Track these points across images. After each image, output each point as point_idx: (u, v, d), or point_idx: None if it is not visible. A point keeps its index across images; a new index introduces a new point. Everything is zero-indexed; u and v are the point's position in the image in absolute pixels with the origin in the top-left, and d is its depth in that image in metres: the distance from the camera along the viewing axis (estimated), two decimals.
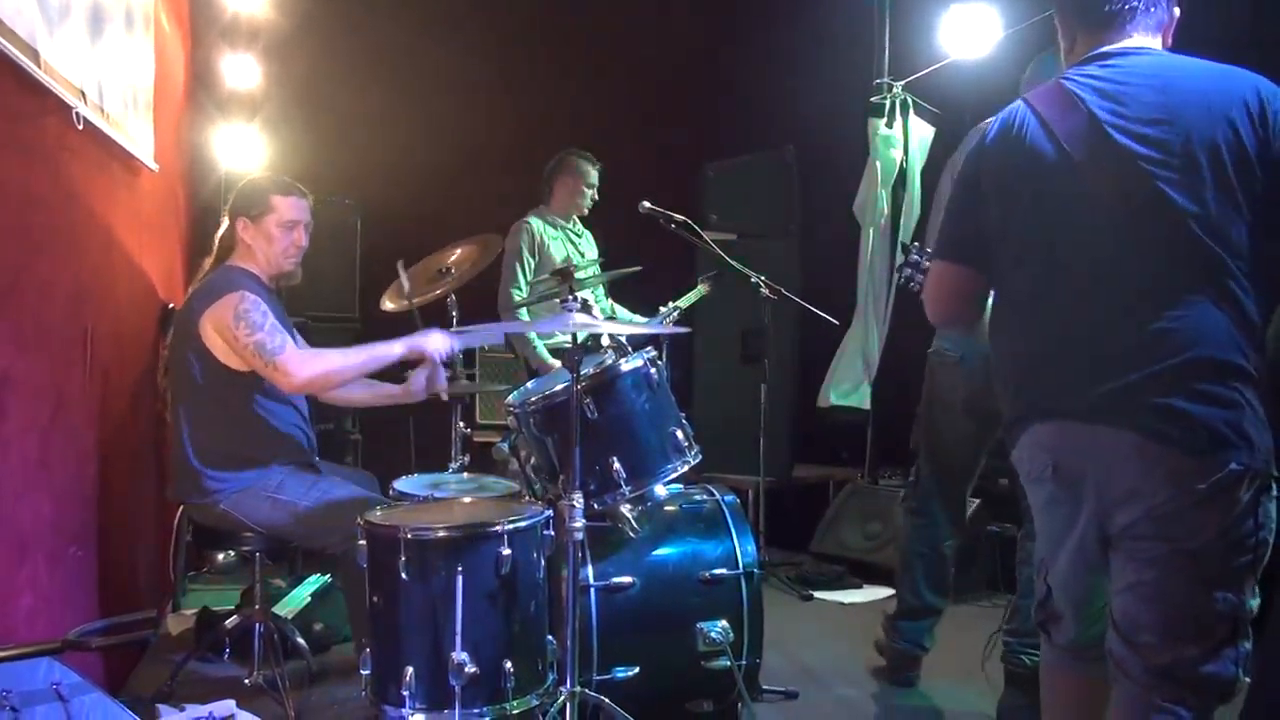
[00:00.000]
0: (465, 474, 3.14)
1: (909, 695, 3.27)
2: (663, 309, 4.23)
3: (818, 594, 4.51)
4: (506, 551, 2.43)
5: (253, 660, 3.12)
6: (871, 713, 3.17)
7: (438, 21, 5.58)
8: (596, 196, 4.55)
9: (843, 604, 4.43)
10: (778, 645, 3.41)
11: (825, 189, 5.53)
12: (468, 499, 2.82)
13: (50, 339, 2.51)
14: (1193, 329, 1.73)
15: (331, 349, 3.00)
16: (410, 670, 2.39)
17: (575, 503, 2.46)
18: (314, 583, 3.78)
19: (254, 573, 3.13)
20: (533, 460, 2.96)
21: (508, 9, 5.93)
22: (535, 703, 2.50)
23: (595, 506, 2.71)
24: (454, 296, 3.25)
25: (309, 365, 2.86)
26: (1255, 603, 1.78)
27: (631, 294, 4.56)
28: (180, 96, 4.25)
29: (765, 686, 3.11)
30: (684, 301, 4.32)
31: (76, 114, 2.55)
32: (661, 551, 2.88)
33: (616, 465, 2.69)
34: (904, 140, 5.21)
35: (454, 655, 2.35)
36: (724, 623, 2.81)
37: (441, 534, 2.44)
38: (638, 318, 4.50)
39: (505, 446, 3.27)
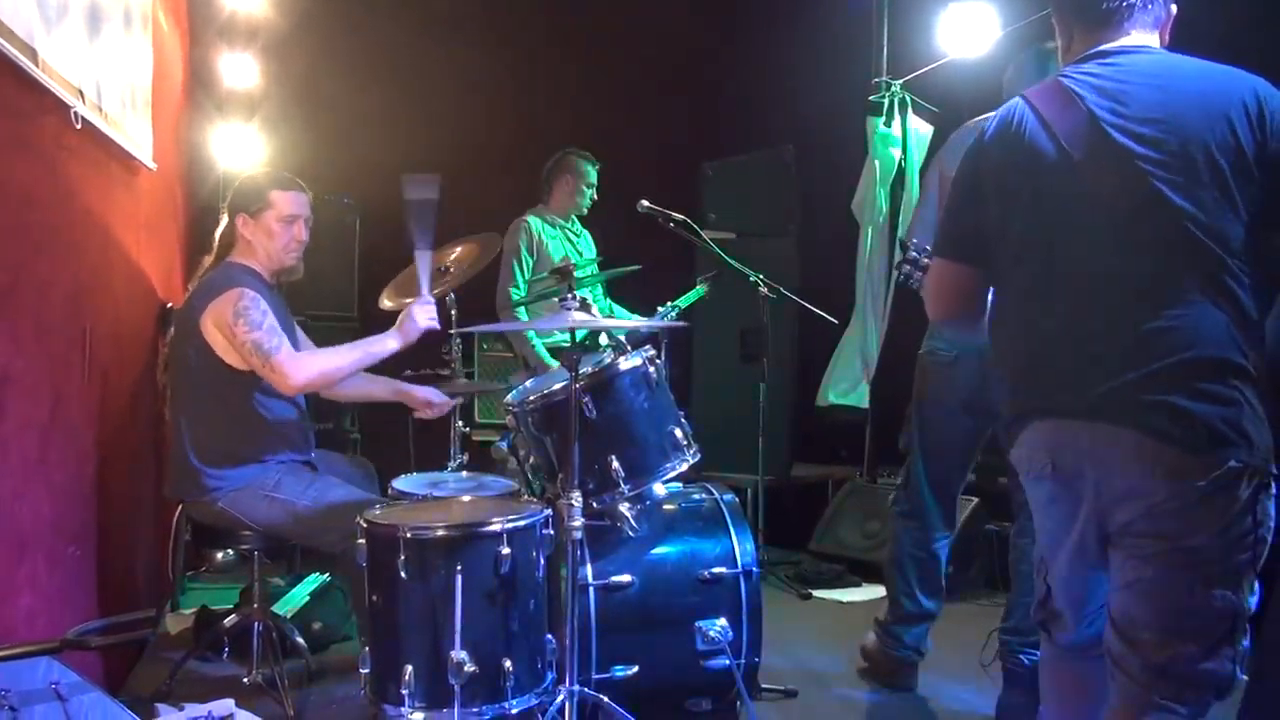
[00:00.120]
0: (464, 473, 3.14)
1: (908, 694, 3.27)
2: (661, 309, 4.24)
3: (817, 593, 4.51)
4: (505, 550, 2.43)
5: (252, 659, 3.12)
6: (871, 712, 3.17)
7: (436, 20, 5.58)
8: (595, 196, 4.55)
9: (842, 603, 4.44)
10: (777, 644, 3.41)
11: (824, 188, 5.53)
12: (466, 498, 2.83)
13: (49, 338, 2.51)
14: (1191, 328, 1.73)
15: (327, 349, 3.00)
16: (409, 669, 2.40)
17: (574, 501, 2.46)
18: (313, 582, 3.78)
19: (253, 571, 3.13)
20: (531, 459, 2.96)
21: (507, 8, 5.93)
22: (534, 701, 2.50)
23: (594, 505, 2.71)
24: (453, 295, 3.24)
25: (305, 367, 2.86)
26: (1253, 600, 1.78)
27: (630, 293, 4.56)
28: (178, 95, 4.25)
29: (764, 685, 3.11)
30: (683, 301, 4.32)
31: (75, 113, 2.55)
32: (660, 550, 2.88)
33: (615, 464, 2.69)
34: (903, 139, 5.21)
35: (453, 654, 2.35)
36: (723, 621, 2.81)
37: (440, 533, 2.44)
38: (636, 317, 4.50)
39: (504, 445, 3.27)
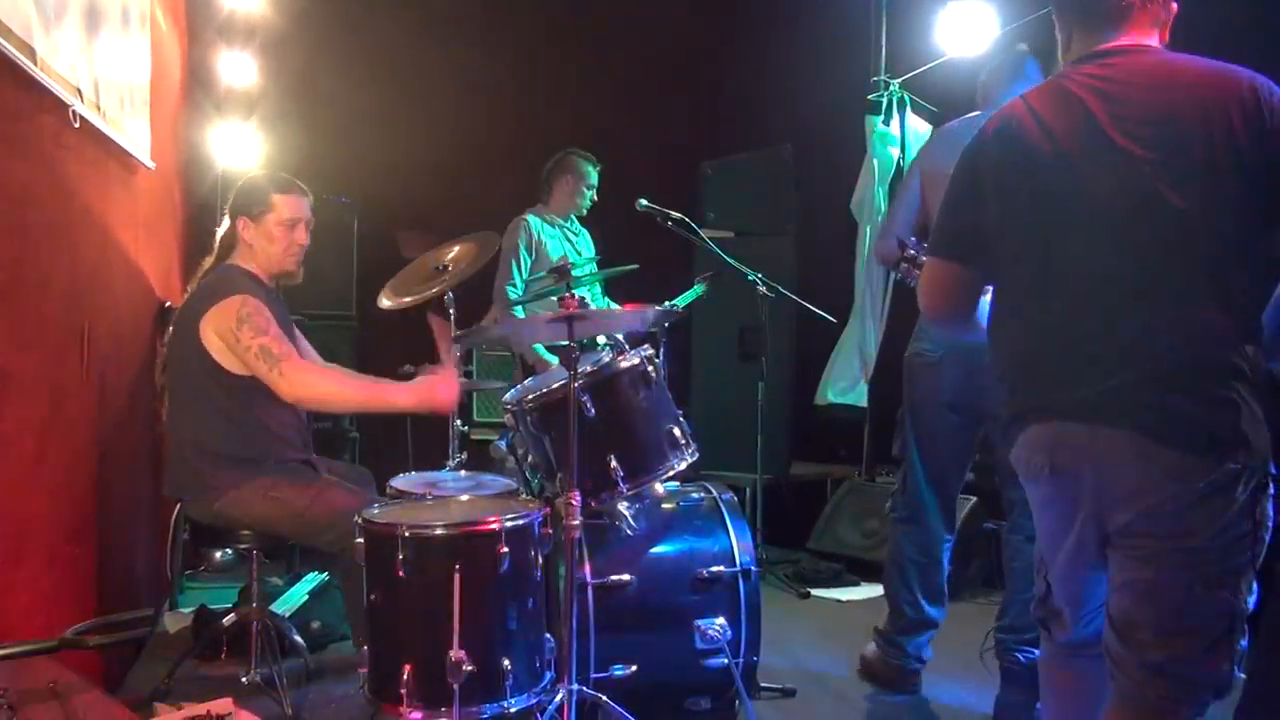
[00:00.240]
0: (463, 472, 3.14)
1: (907, 693, 3.26)
2: (659, 308, 4.23)
3: (815, 591, 4.51)
4: (504, 549, 2.43)
5: (250, 658, 3.12)
6: (869, 710, 3.18)
7: (435, 19, 5.58)
8: (595, 197, 4.55)
9: (840, 601, 4.44)
10: (775, 643, 3.41)
11: (823, 187, 5.53)
12: (465, 497, 2.83)
13: (47, 337, 2.51)
14: (1190, 328, 1.73)
15: (339, 375, 2.96)
16: (408, 668, 2.39)
17: (573, 500, 2.46)
18: (311, 581, 3.78)
19: (251, 571, 3.12)
20: (530, 458, 2.96)
21: (506, 7, 5.93)
22: (533, 701, 2.50)
23: (593, 504, 2.71)
24: (451, 294, 3.24)
25: (311, 383, 2.85)
26: (1251, 600, 1.78)
27: (629, 293, 4.56)
28: (177, 94, 4.24)
29: (763, 684, 3.11)
30: (681, 300, 4.33)
31: (73, 112, 2.55)
32: (659, 549, 2.88)
33: (614, 463, 2.69)
34: (901, 138, 5.21)
35: (452, 653, 2.35)
36: (722, 620, 2.81)
37: (439, 532, 2.44)
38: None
39: (503, 444, 3.27)
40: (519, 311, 4.10)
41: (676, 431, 2.82)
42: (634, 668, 2.74)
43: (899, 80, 5.21)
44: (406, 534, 2.41)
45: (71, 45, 2.56)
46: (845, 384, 5.49)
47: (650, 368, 2.81)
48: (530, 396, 2.81)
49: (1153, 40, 1.91)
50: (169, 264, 4.05)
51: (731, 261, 4.27)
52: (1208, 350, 1.72)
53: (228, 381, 2.87)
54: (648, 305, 2.57)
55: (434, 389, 2.84)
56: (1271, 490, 1.77)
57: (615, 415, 2.73)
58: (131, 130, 3.23)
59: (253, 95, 4.79)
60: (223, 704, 2.07)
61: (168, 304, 3.79)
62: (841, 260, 5.46)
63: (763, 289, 4.35)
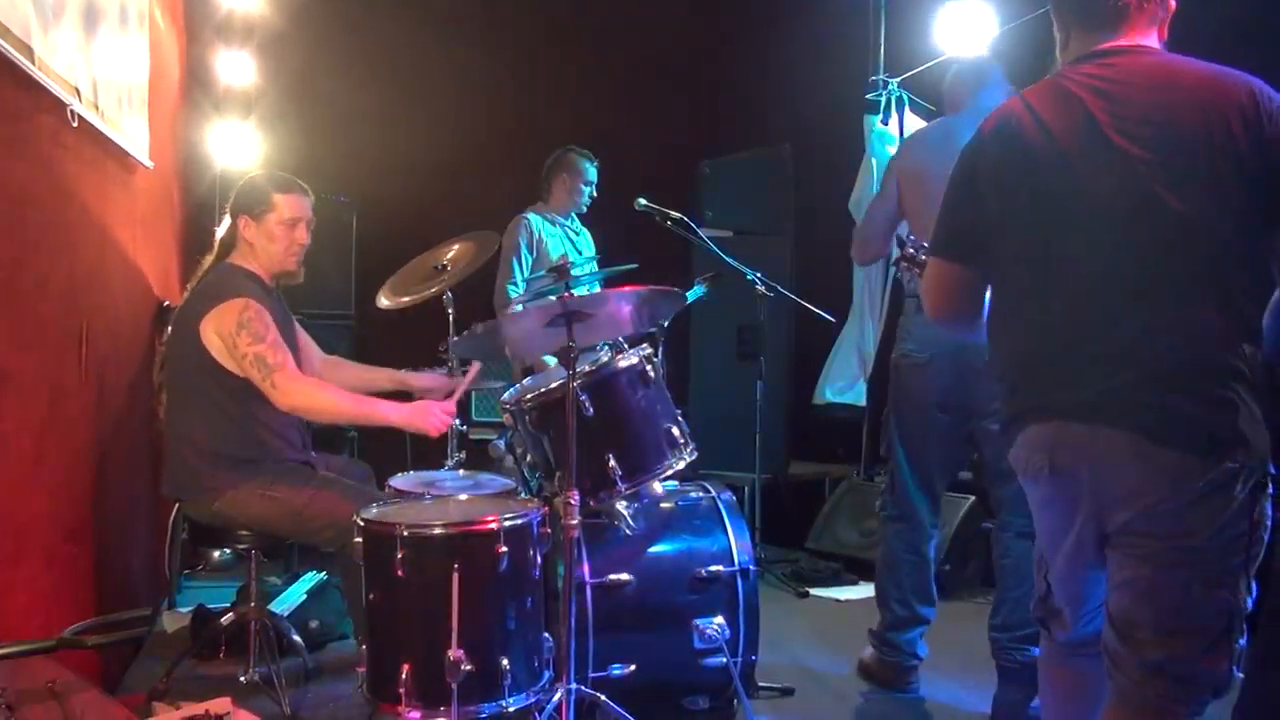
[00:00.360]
0: (461, 471, 3.14)
1: (904, 692, 3.26)
2: (655, 287, 4.22)
3: (814, 591, 4.51)
4: (503, 549, 2.43)
5: (248, 658, 3.12)
6: (867, 709, 3.18)
7: (434, 18, 5.57)
8: (594, 194, 4.55)
9: (839, 601, 4.44)
10: (774, 642, 3.41)
11: (821, 186, 5.53)
12: (464, 496, 2.83)
13: (46, 336, 2.51)
14: (1189, 329, 1.73)
15: (332, 387, 2.97)
16: (407, 668, 2.40)
17: (571, 500, 2.46)
18: (310, 580, 3.77)
19: (250, 570, 3.12)
20: (529, 457, 2.96)
21: (505, 6, 5.92)
22: (532, 700, 2.50)
23: (591, 504, 2.71)
24: (449, 294, 3.24)
25: (305, 394, 2.84)
26: (1250, 599, 1.79)
27: None
28: (175, 93, 4.24)
29: (761, 683, 3.11)
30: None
31: (71, 111, 2.55)
32: (658, 548, 2.88)
33: (612, 462, 2.69)
34: (900, 137, 5.21)
35: (450, 653, 2.35)
36: (720, 619, 2.81)
37: (438, 531, 2.44)
38: None
39: (501, 444, 3.27)
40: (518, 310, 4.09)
41: (675, 431, 2.82)
42: (632, 667, 2.74)
43: (898, 79, 5.20)
44: (405, 533, 2.42)
45: (70, 45, 2.56)
46: (844, 383, 5.49)
47: (649, 367, 2.81)
48: (529, 396, 2.81)
49: (1151, 39, 1.91)
50: (167, 263, 4.05)
51: (730, 261, 4.27)
52: (1207, 351, 1.73)
53: (228, 382, 2.87)
54: (645, 285, 2.55)
55: (426, 414, 2.82)
56: (1270, 490, 1.77)
57: (614, 414, 2.73)
58: (130, 130, 3.23)
59: (251, 94, 4.79)
60: (221, 703, 2.08)
61: (166, 303, 3.79)
62: (840, 260, 5.41)
63: (761, 288, 4.35)
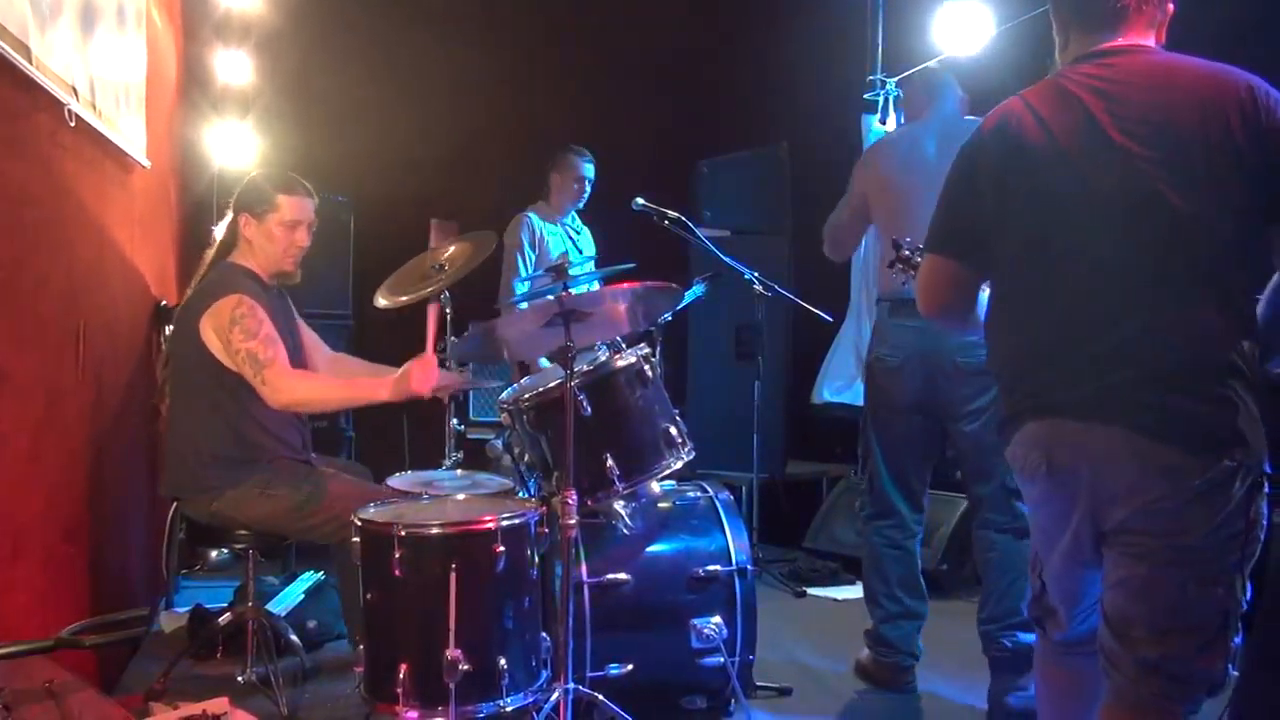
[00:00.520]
0: (459, 471, 3.14)
1: (902, 691, 3.26)
2: (652, 284, 4.23)
3: (811, 590, 4.52)
4: (500, 549, 2.43)
5: (246, 658, 3.12)
6: (865, 709, 3.18)
7: (432, 17, 5.57)
8: (588, 190, 4.55)
9: (836, 600, 4.44)
10: (771, 642, 3.41)
11: (819, 185, 5.49)
12: (461, 496, 2.83)
13: (43, 335, 2.51)
14: (1188, 327, 1.74)
15: (321, 378, 2.97)
16: (404, 668, 2.40)
17: (569, 499, 2.46)
18: (307, 580, 3.77)
19: (247, 570, 3.12)
20: (526, 457, 2.96)
21: (502, 6, 5.92)
22: (529, 700, 2.50)
23: (589, 503, 2.71)
24: (448, 294, 3.24)
25: (292, 388, 2.84)
26: (1246, 598, 1.79)
27: None
28: (172, 92, 4.24)
29: (759, 683, 3.11)
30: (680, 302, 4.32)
31: (69, 110, 2.55)
32: (655, 548, 2.89)
33: (610, 462, 2.69)
34: None
35: (448, 652, 2.35)
36: (717, 619, 2.82)
37: (435, 531, 2.44)
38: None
39: (499, 443, 3.27)
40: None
41: (673, 430, 2.82)
42: (630, 667, 2.75)
43: (895, 79, 5.20)
44: (403, 533, 2.42)
45: (67, 44, 2.56)
46: (841, 383, 5.49)
47: (647, 366, 2.81)
48: (527, 395, 2.81)
49: (1149, 41, 1.92)
50: (165, 263, 4.05)
51: (728, 260, 4.27)
52: (1208, 350, 1.73)
53: (227, 380, 2.88)
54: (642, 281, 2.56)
55: (410, 376, 2.79)
56: (1266, 489, 1.77)
57: (612, 414, 2.73)
58: (127, 129, 3.22)
59: (249, 94, 4.78)
60: (218, 703, 2.07)
61: (164, 303, 3.79)
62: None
63: (759, 288, 4.35)
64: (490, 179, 5.44)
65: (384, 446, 4.78)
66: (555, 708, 2.46)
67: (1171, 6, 1.95)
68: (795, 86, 5.61)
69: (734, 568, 2.87)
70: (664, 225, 4.07)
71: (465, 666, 2.35)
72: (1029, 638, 2.84)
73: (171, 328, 3.11)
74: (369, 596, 2.52)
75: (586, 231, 4.65)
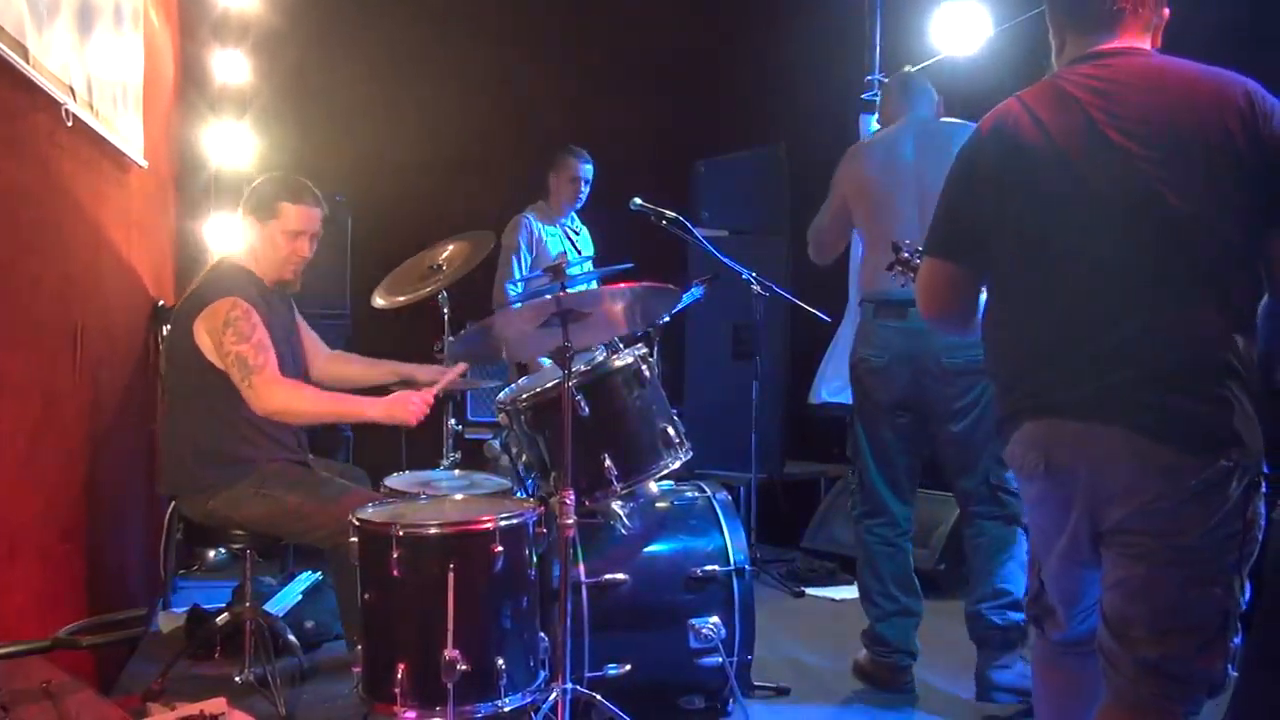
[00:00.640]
0: (457, 471, 3.14)
1: (900, 690, 3.26)
2: (649, 284, 4.23)
3: (809, 590, 4.51)
4: (498, 549, 2.43)
5: (244, 658, 3.11)
6: (863, 708, 3.18)
7: (430, 17, 5.57)
8: (586, 190, 4.55)
9: (834, 600, 4.44)
10: (769, 642, 3.41)
11: (817, 186, 5.48)
12: (459, 496, 2.83)
13: (40, 336, 2.50)
14: (1190, 329, 1.74)
15: (311, 389, 2.96)
16: (402, 668, 2.39)
17: (567, 500, 2.46)
18: (305, 580, 3.77)
19: (245, 570, 3.12)
20: (524, 457, 2.96)
21: (501, 5, 5.92)
22: (527, 700, 2.50)
23: (587, 503, 2.71)
24: (445, 293, 3.24)
25: (278, 396, 2.83)
26: (1244, 598, 1.79)
27: None
28: (170, 93, 4.24)
29: (757, 683, 3.11)
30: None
31: (66, 110, 2.54)
32: (653, 548, 2.89)
33: (608, 462, 2.69)
34: None
35: (446, 653, 2.35)
36: (715, 619, 2.82)
37: (433, 531, 2.44)
38: None
39: (497, 444, 3.27)
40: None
41: (671, 430, 2.82)
42: (628, 667, 2.75)
43: None
44: (401, 533, 2.41)
45: (64, 44, 2.56)
46: (839, 382, 5.47)
47: (644, 366, 2.81)
48: (524, 396, 2.81)
49: (1145, 44, 1.92)
50: (162, 263, 4.04)
51: (726, 260, 4.27)
52: (1207, 350, 1.73)
53: (220, 381, 2.87)
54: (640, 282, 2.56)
55: (404, 405, 2.81)
56: (1263, 489, 1.77)
57: (609, 414, 2.73)
58: (124, 129, 3.22)
59: (246, 93, 4.77)
60: (216, 704, 2.07)
61: (160, 303, 3.79)
62: (835, 259, 5.45)
63: (757, 288, 4.35)
64: (489, 178, 5.44)
65: (382, 446, 4.77)
66: (553, 708, 2.46)
67: (1167, 11, 1.95)
68: (794, 87, 5.61)
69: (732, 568, 2.87)
70: (662, 225, 4.07)
71: (463, 667, 2.35)
72: (1019, 616, 2.86)
73: (169, 326, 3.09)
74: (367, 596, 2.52)
75: (585, 232, 4.66)
